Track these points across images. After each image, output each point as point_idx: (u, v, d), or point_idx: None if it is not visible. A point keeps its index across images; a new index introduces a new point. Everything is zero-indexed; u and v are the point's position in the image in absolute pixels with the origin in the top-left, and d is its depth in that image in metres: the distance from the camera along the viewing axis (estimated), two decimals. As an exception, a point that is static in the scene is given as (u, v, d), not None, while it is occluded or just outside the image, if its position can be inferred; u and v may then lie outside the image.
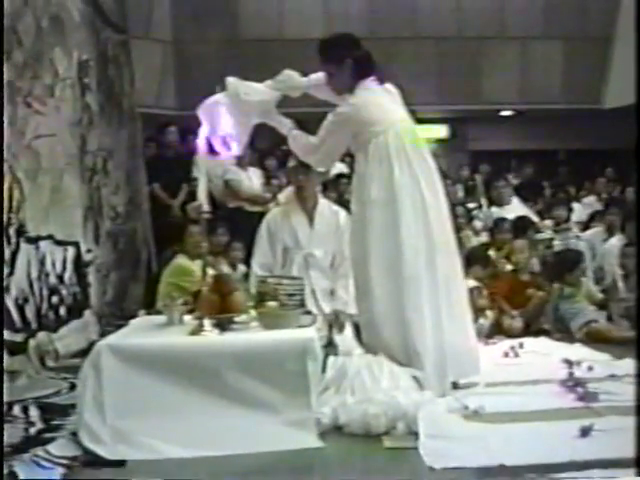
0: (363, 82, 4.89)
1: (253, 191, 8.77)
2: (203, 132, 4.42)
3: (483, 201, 9.79)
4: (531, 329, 6.85)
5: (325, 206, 5.70)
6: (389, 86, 5.02)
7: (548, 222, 9.05)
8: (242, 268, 7.06)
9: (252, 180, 8.88)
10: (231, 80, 5.14)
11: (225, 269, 6.67)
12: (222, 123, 5.10)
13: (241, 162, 8.90)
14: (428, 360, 4.64)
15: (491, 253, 7.63)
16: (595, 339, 6.44)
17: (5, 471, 3.45)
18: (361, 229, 4.83)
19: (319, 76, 5.15)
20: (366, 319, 4.87)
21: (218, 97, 5.13)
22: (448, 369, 4.72)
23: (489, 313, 6.75)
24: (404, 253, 4.69)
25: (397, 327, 4.70)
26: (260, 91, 5.10)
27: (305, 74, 5.18)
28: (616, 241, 8.28)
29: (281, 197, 5.81)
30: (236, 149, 5.23)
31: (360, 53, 4.95)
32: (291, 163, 5.58)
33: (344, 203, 7.67)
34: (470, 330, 5.02)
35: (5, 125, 5.58)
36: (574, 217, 9.88)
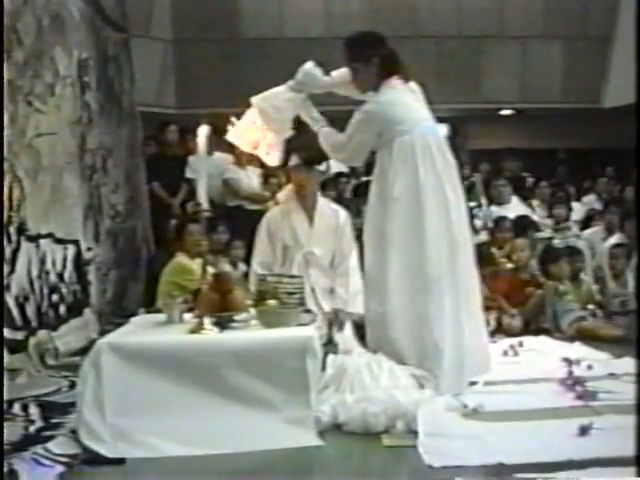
0: (388, 80, 4.91)
1: (252, 190, 8.78)
2: (202, 131, 4.42)
3: (483, 200, 9.78)
4: (531, 328, 6.86)
5: (325, 205, 5.70)
6: (413, 85, 5.04)
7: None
8: (242, 267, 7.07)
9: (251, 179, 8.88)
10: (256, 101, 5.15)
11: (226, 267, 6.68)
12: (262, 138, 5.18)
13: (240, 161, 8.91)
14: (447, 359, 4.67)
15: (492, 252, 7.64)
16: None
17: (5, 469, 3.45)
18: (380, 225, 4.84)
19: (342, 73, 5.17)
20: (376, 316, 4.87)
21: (252, 116, 5.17)
22: (466, 368, 4.76)
23: (490, 312, 6.75)
24: (428, 252, 4.72)
25: (412, 325, 4.73)
26: (288, 100, 5.12)
27: (327, 71, 5.20)
28: (614, 240, 8.30)
29: (280, 196, 5.80)
30: (277, 158, 5.36)
31: (386, 52, 4.97)
32: (292, 162, 5.58)
33: (343, 202, 7.70)
34: (483, 328, 5.09)
35: (5, 124, 5.58)
36: (574, 216, 9.89)
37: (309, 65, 5.18)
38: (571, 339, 6.47)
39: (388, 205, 4.80)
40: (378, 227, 4.87)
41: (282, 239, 5.53)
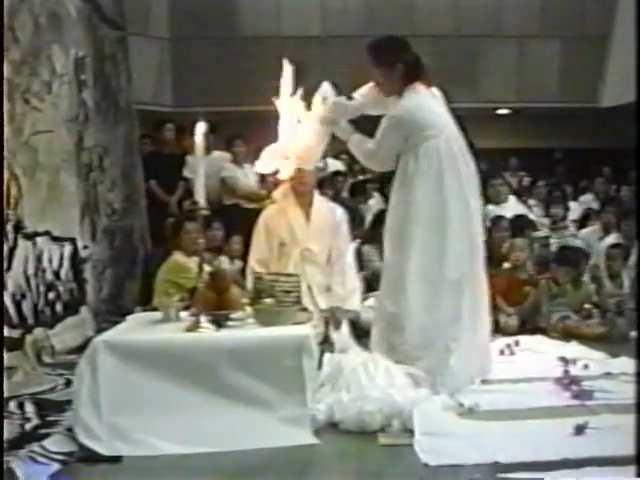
0: (412, 86, 4.90)
1: (249, 188, 8.78)
2: (200, 129, 4.41)
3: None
4: (527, 327, 6.87)
5: (321, 203, 5.70)
6: (435, 90, 5.04)
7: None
8: (238, 263, 7.06)
9: (248, 177, 8.88)
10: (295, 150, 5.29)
11: (225, 264, 6.68)
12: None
13: (237, 159, 8.91)
14: (455, 360, 4.71)
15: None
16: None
17: (1, 467, 3.46)
18: (402, 227, 4.84)
19: (364, 92, 5.18)
20: (389, 316, 4.87)
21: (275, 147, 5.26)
22: (474, 368, 4.84)
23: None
24: (449, 256, 4.76)
25: (426, 327, 4.75)
26: (318, 133, 5.17)
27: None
28: (609, 240, 8.31)
29: (277, 194, 5.80)
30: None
31: (410, 57, 4.97)
32: None
33: (340, 200, 7.71)
34: (488, 330, 5.12)
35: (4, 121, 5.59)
36: (571, 215, 9.91)
37: (327, 90, 5.17)
38: (556, 337, 6.53)
39: (411, 208, 4.80)
40: (399, 229, 4.88)
41: (279, 236, 5.53)
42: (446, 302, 4.76)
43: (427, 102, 4.92)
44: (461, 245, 4.79)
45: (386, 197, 9.23)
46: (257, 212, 6.05)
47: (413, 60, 4.96)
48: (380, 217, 7.94)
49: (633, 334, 6.43)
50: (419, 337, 4.74)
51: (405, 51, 4.98)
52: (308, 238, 5.54)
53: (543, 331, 6.78)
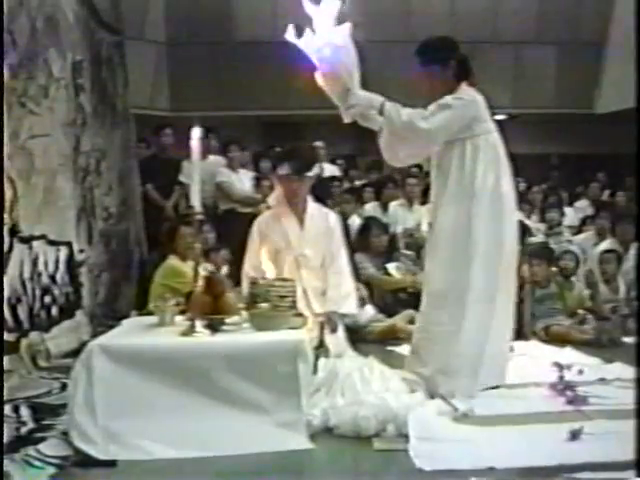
0: (462, 85, 4.94)
1: (244, 193, 8.80)
2: (195, 133, 4.41)
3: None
4: (522, 332, 6.87)
5: (315, 208, 5.69)
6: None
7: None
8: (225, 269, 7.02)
9: (243, 182, 8.90)
10: None
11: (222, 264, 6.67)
12: None
13: (232, 164, 8.93)
14: (484, 367, 4.81)
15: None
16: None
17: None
18: (465, 223, 4.81)
19: None
20: (440, 335, 4.86)
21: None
22: (498, 376, 4.95)
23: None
24: (503, 257, 4.82)
25: (477, 337, 4.80)
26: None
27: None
28: (605, 245, 8.33)
29: (271, 200, 5.80)
30: None
31: (461, 56, 5.03)
32: (282, 171, 5.52)
33: (335, 205, 7.72)
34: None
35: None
36: (566, 221, 9.92)
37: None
38: (542, 341, 6.58)
39: (473, 202, 4.79)
40: (461, 225, 4.83)
41: (273, 242, 5.53)
42: (492, 310, 4.81)
43: (480, 98, 4.96)
44: (513, 247, 4.93)
45: (384, 201, 9.28)
46: (253, 217, 6.04)
47: (464, 59, 5.03)
48: (368, 224, 7.97)
49: (624, 339, 6.46)
50: (473, 348, 4.78)
51: (456, 50, 5.05)
52: (302, 244, 5.53)
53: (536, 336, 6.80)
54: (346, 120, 4.95)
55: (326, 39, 4.87)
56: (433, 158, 5.05)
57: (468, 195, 4.80)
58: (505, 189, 4.86)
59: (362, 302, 6.65)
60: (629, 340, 6.45)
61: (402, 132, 4.88)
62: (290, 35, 4.90)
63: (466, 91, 4.91)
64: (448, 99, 4.84)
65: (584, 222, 9.94)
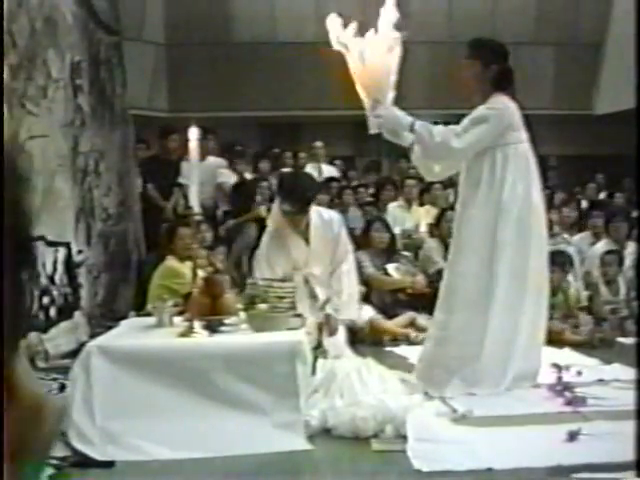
0: (499, 93, 4.92)
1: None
2: (193, 134, 4.41)
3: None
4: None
5: (317, 217, 5.58)
6: None
7: None
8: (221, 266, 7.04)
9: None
10: None
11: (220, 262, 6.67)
12: None
13: (232, 165, 8.93)
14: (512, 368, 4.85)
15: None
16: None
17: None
18: (491, 231, 4.80)
19: None
20: (458, 347, 4.86)
21: None
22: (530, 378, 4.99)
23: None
24: (530, 262, 4.80)
25: (502, 340, 4.80)
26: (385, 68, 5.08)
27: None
28: (601, 245, 8.31)
29: (270, 222, 5.64)
30: None
31: (506, 66, 5.01)
32: (285, 207, 5.42)
33: (335, 206, 7.72)
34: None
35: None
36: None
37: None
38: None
39: (501, 211, 4.78)
40: (488, 233, 4.82)
41: (280, 264, 5.43)
42: (522, 312, 4.82)
43: (515, 108, 4.94)
44: (541, 251, 4.94)
45: (382, 202, 9.29)
46: (253, 217, 6.02)
47: (507, 69, 5.00)
48: (371, 221, 7.97)
49: (623, 341, 6.45)
50: (496, 351, 4.79)
51: (504, 58, 5.03)
52: (310, 262, 5.49)
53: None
54: (372, 130, 4.96)
55: (381, 42, 5.06)
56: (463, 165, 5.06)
57: (496, 204, 4.79)
58: (535, 199, 4.86)
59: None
60: (628, 341, 6.45)
61: (436, 152, 4.92)
62: (334, 27, 5.01)
63: (500, 99, 4.90)
64: (482, 110, 4.85)
65: (580, 221, 9.90)
